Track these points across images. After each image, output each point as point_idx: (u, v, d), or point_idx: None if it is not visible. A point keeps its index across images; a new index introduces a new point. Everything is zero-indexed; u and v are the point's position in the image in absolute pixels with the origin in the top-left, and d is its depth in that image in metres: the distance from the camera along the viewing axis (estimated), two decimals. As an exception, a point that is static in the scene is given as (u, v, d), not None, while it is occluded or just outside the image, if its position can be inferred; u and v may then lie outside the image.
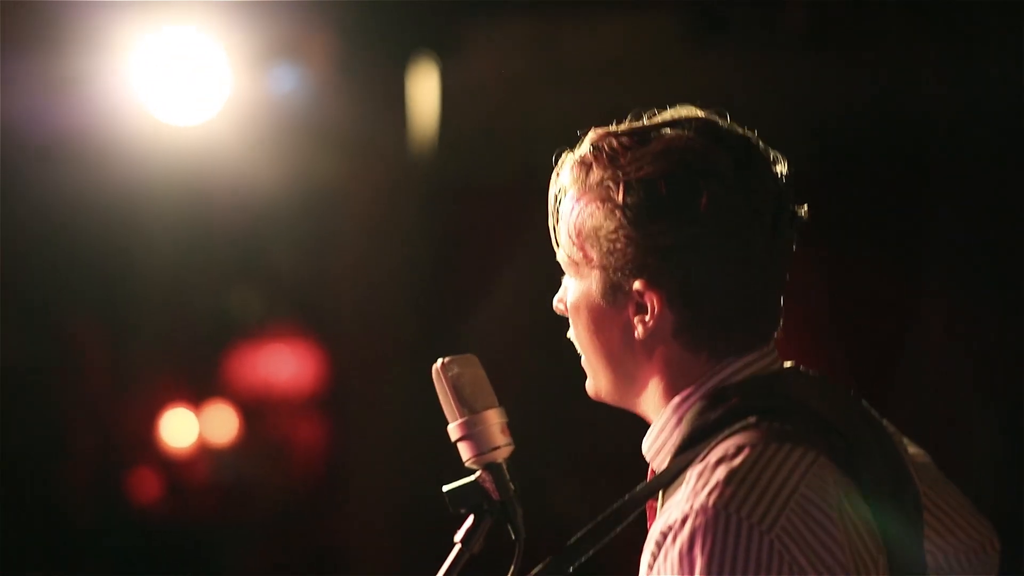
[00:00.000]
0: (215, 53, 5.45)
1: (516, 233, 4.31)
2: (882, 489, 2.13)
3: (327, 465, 6.07)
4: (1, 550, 5.58)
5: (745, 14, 5.38)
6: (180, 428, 5.98)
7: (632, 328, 2.21)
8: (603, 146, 2.22)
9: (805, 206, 2.24)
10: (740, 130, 2.25)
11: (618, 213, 2.18)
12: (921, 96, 5.20)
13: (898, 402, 5.17)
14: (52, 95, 5.51)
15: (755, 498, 2.01)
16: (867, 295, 5.27)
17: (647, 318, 2.19)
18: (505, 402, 2.33)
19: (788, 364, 2.26)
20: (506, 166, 5.36)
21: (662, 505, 2.16)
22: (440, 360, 2.33)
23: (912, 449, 2.39)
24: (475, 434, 2.29)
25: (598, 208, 2.20)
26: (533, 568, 2.19)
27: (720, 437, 2.11)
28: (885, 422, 2.29)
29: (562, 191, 2.29)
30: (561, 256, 2.29)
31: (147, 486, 5.99)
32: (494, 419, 2.30)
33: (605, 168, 2.21)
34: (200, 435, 5.98)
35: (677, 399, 2.21)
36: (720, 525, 1.99)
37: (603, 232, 2.20)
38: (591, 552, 2.18)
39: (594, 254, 2.22)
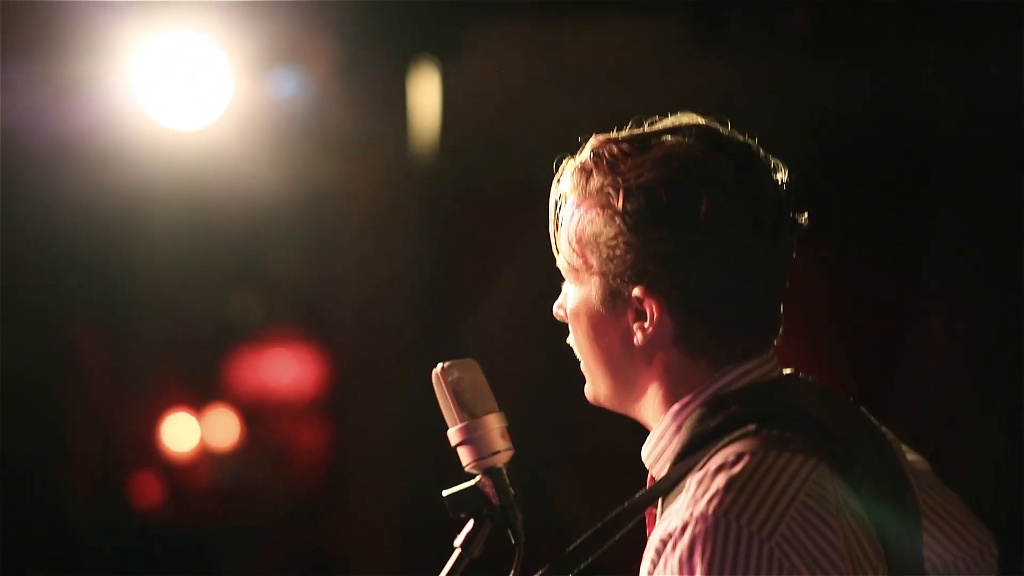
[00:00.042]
0: (216, 57, 5.44)
1: (517, 237, 4.31)
2: (881, 496, 2.14)
3: (328, 469, 6.07)
4: (3, 554, 5.59)
5: (746, 16, 5.38)
6: (181, 432, 5.98)
7: (631, 334, 2.21)
8: (603, 152, 2.22)
9: (805, 213, 2.24)
10: (740, 137, 2.25)
11: (618, 220, 2.18)
12: (921, 96, 5.20)
13: (898, 402, 5.18)
14: (54, 99, 5.50)
15: (755, 506, 2.01)
16: (867, 295, 5.27)
17: (646, 325, 2.19)
18: (505, 406, 2.34)
19: (788, 371, 2.26)
20: (507, 169, 5.36)
21: (661, 512, 2.17)
22: (440, 365, 2.34)
23: (911, 456, 2.38)
24: (475, 439, 2.30)
25: (598, 214, 2.21)
26: (533, 573, 2.19)
27: (720, 444, 2.12)
28: (884, 429, 2.30)
29: (562, 197, 2.29)
30: (561, 262, 2.30)
31: (148, 490, 5.98)
32: (494, 424, 2.31)
33: (605, 175, 2.21)
34: (201, 439, 5.98)
35: (676, 406, 2.21)
36: (720, 532, 1.99)
37: (603, 238, 2.20)
38: (590, 559, 2.17)
39: (594, 260, 2.22)
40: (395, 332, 5.89)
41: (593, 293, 2.24)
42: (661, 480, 2.18)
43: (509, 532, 2.30)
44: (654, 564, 2.06)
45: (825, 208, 2.38)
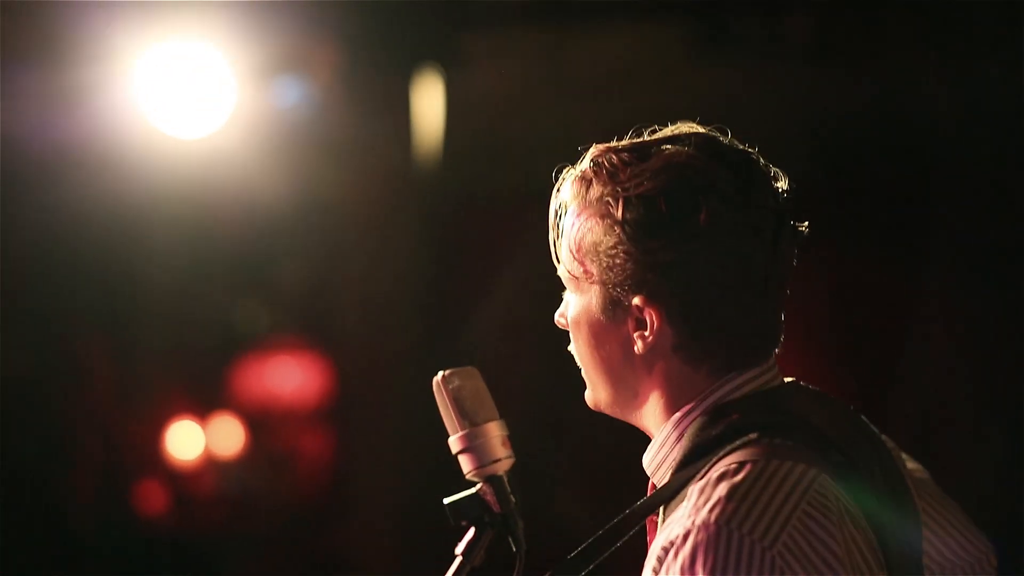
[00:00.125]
0: (220, 65, 5.44)
1: (520, 243, 4.31)
2: (882, 504, 2.14)
3: (332, 476, 6.06)
4: (8, 562, 5.59)
5: (748, 22, 5.39)
6: (186, 440, 5.97)
7: (632, 343, 2.21)
8: (603, 162, 2.23)
9: (806, 222, 2.24)
10: (740, 146, 2.25)
11: (617, 229, 2.18)
12: (921, 98, 5.21)
13: (898, 402, 5.18)
14: (56, 107, 5.50)
15: (757, 514, 2.01)
16: (868, 296, 5.27)
17: (647, 333, 2.20)
18: (507, 412, 2.34)
19: (789, 380, 2.26)
20: (509, 177, 5.35)
21: (663, 520, 2.17)
22: (441, 373, 2.34)
23: (911, 464, 2.39)
24: (476, 447, 2.30)
25: (598, 224, 2.21)
26: (534, 580, 2.21)
27: (721, 453, 2.12)
28: (884, 437, 2.30)
29: (563, 207, 2.29)
30: (562, 271, 2.30)
31: (153, 498, 5.98)
32: (495, 432, 2.31)
33: (605, 184, 2.21)
34: (206, 447, 5.98)
35: (678, 415, 2.21)
36: (722, 541, 2.00)
37: (603, 248, 2.21)
38: (591, 566, 2.18)
39: (594, 269, 2.23)
40: (398, 339, 5.89)
41: (593, 302, 2.24)
42: (662, 488, 2.18)
43: (510, 540, 2.30)
44: (655, 572, 2.06)
45: (826, 210, 2.39)
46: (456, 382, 2.34)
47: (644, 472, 2.29)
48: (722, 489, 2.04)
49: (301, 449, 6.08)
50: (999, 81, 4.98)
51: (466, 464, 2.32)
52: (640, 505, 2.20)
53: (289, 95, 5.70)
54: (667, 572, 2.03)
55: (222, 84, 5.47)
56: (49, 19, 5.37)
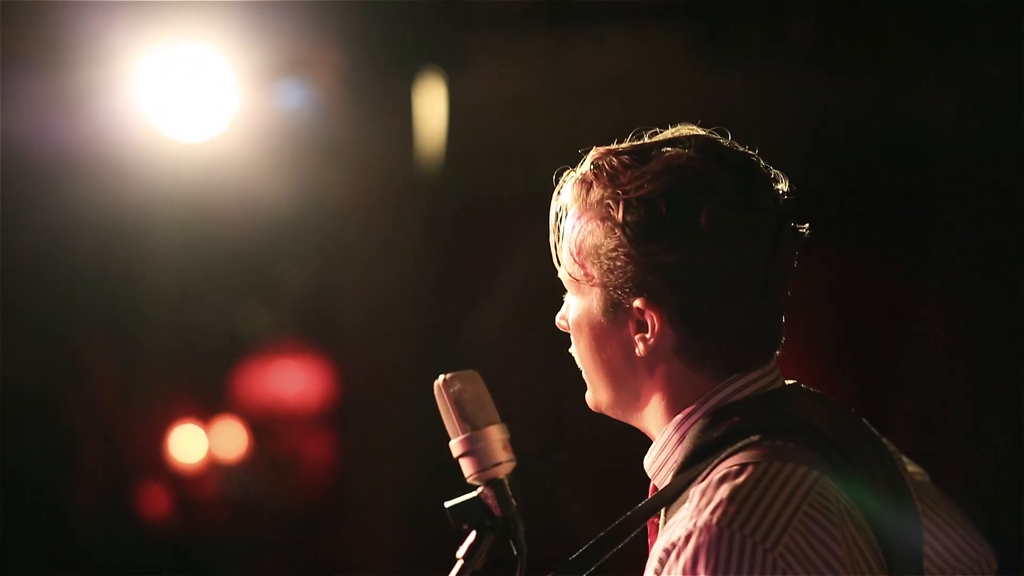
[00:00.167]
0: (222, 69, 5.44)
1: (522, 246, 4.31)
2: (883, 506, 2.15)
3: (335, 480, 6.06)
4: (9, 565, 5.59)
5: (749, 27, 5.39)
6: (189, 444, 5.97)
7: (633, 345, 2.22)
8: (604, 164, 2.23)
9: (807, 223, 2.25)
10: (741, 148, 2.25)
11: (618, 231, 2.18)
12: (921, 98, 5.21)
13: (898, 402, 5.18)
14: (59, 110, 5.51)
15: (759, 516, 2.01)
16: (869, 296, 5.27)
17: (647, 336, 2.20)
18: (508, 415, 2.35)
19: (790, 382, 2.26)
20: (511, 180, 5.35)
21: (664, 522, 2.17)
22: (442, 376, 2.34)
23: (911, 467, 2.39)
24: (477, 450, 2.30)
25: (598, 226, 2.21)
26: (535, 584, 2.21)
27: (723, 455, 2.12)
28: (885, 440, 2.30)
29: (563, 209, 2.29)
30: (562, 274, 2.30)
31: (156, 502, 5.98)
32: (496, 435, 2.32)
33: (605, 186, 2.21)
34: (209, 451, 5.98)
35: (679, 417, 2.22)
36: (724, 542, 2.00)
37: (603, 250, 2.21)
38: (592, 568, 2.18)
39: (595, 272, 2.23)
40: (401, 343, 5.89)
41: (594, 304, 2.24)
42: (664, 490, 2.18)
43: (511, 543, 2.30)
44: (657, 574, 2.06)
45: (827, 211, 2.39)
46: (457, 386, 2.34)
47: (645, 474, 2.29)
48: (724, 491, 2.04)
49: (304, 452, 6.07)
50: (999, 81, 4.98)
51: (467, 468, 2.32)
52: (641, 507, 2.20)
53: (291, 98, 5.70)
54: (669, 573, 2.03)
55: (223, 86, 5.48)
56: (51, 21, 5.37)
